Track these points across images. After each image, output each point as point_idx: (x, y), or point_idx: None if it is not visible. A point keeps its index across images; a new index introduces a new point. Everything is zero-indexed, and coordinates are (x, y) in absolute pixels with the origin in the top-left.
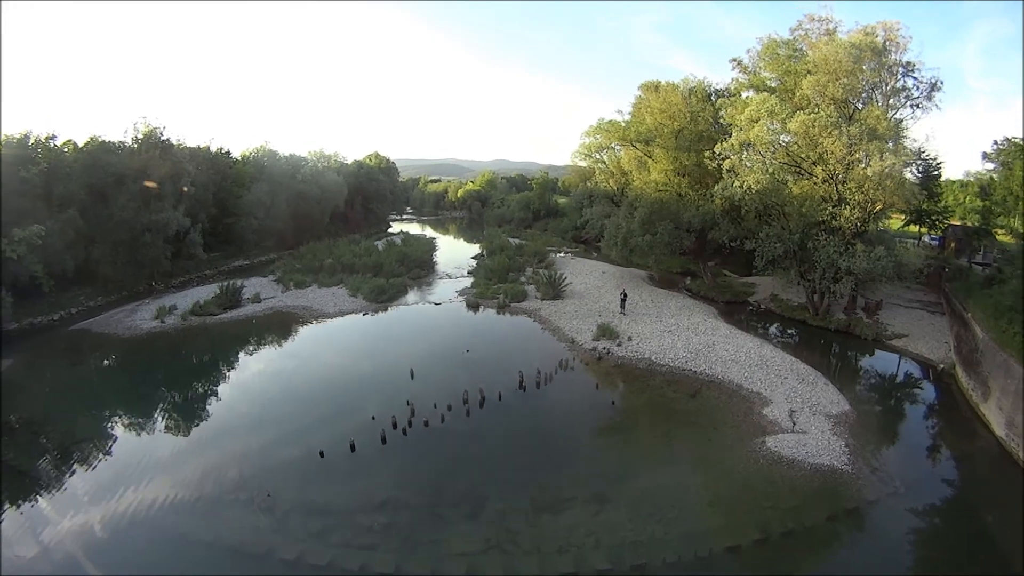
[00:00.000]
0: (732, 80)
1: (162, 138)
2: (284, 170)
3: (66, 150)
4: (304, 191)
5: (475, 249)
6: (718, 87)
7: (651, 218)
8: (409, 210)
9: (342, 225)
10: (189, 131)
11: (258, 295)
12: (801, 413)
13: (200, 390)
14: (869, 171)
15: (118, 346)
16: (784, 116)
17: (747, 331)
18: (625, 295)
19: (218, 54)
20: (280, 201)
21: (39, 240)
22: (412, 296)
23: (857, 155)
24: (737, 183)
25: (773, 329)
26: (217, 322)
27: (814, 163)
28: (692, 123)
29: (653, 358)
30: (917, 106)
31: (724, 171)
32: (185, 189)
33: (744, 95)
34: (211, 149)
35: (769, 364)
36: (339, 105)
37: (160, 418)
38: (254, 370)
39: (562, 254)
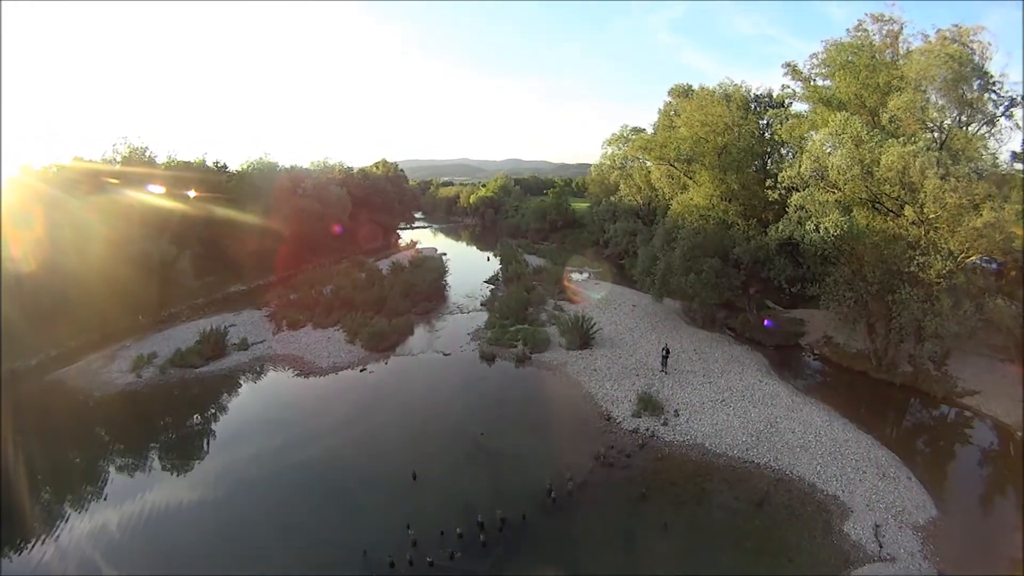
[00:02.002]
0: (782, 88)
1: (146, 157)
2: (284, 185)
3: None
4: (305, 207)
5: (488, 267)
6: (757, 92)
7: (694, 252)
8: (420, 215)
9: (347, 242)
10: (187, 144)
11: (245, 340)
12: (887, 527)
13: (149, 497)
14: (979, 222)
15: (87, 408)
16: (873, 144)
17: (808, 393)
18: (667, 351)
19: (223, 57)
20: (279, 219)
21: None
22: (418, 339)
23: (964, 200)
24: (810, 225)
25: (833, 383)
26: (196, 378)
27: (902, 202)
28: (738, 138)
29: (707, 444)
30: (991, 123)
31: (792, 207)
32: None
33: (796, 107)
34: (206, 163)
35: (843, 450)
36: (352, 108)
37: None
38: (222, 463)
39: (584, 275)
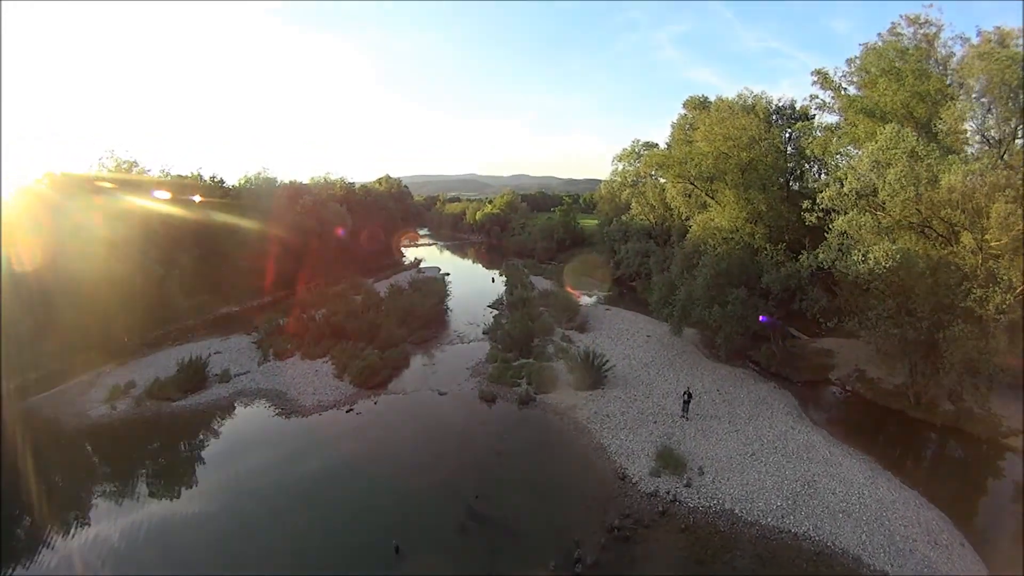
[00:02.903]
0: (811, 98)
1: (133, 172)
2: (281, 201)
3: None
4: (302, 225)
5: (493, 289)
6: (779, 103)
7: (718, 281)
8: (426, 231)
9: (348, 261)
10: (193, 153)
11: (227, 372)
12: None
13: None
14: None
15: (56, 441)
16: (932, 160)
17: (844, 440)
18: (690, 396)
19: (230, 65)
20: (275, 237)
21: None
22: (413, 373)
23: None
24: (857, 255)
25: (869, 425)
26: (171, 413)
27: (959, 227)
28: (765, 153)
29: (737, 510)
30: None
31: (835, 232)
32: None
33: (823, 119)
34: (203, 177)
35: (888, 513)
36: (357, 124)
37: None
38: (170, 525)
39: (592, 299)
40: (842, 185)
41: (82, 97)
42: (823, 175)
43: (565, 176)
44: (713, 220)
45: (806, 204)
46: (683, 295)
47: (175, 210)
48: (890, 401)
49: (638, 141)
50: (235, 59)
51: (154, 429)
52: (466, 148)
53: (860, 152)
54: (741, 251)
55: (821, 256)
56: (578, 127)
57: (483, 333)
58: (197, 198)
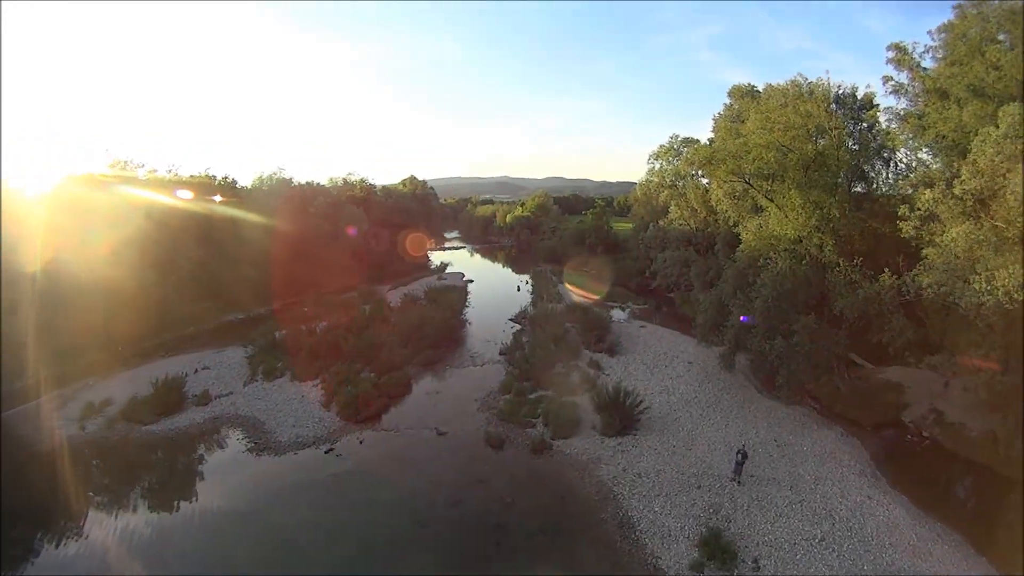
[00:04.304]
0: (883, 81)
1: (129, 170)
2: (294, 203)
3: None
4: (316, 227)
5: (518, 298)
6: (840, 91)
7: (780, 305)
8: (456, 234)
9: (363, 265)
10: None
11: (207, 393)
12: None
13: None
14: None
15: (17, 465)
16: None
17: (929, 511)
18: (744, 456)
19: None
20: (286, 240)
21: None
22: (412, 405)
23: None
24: (979, 282)
25: (956, 485)
26: (139, 439)
27: None
28: (836, 146)
29: None
30: None
31: (942, 249)
32: None
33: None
34: (215, 177)
35: None
36: (387, 125)
37: None
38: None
39: (625, 314)
40: (949, 186)
41: (78, 97)
42: (901, 173)
43: (599, 179)
44: (769, 226)
45: (902, 210)
46: (737, 321)
47: (179, 211)
48: (974, 452)
49: (676, 137)
50: (246, 60)
51: (112, 458)
52: (500, 151)
53: (975, 142)
54: (807, 267)
55: (925, 281)
56: (612, 129)
57: (500, 354)
58: (218, 198)
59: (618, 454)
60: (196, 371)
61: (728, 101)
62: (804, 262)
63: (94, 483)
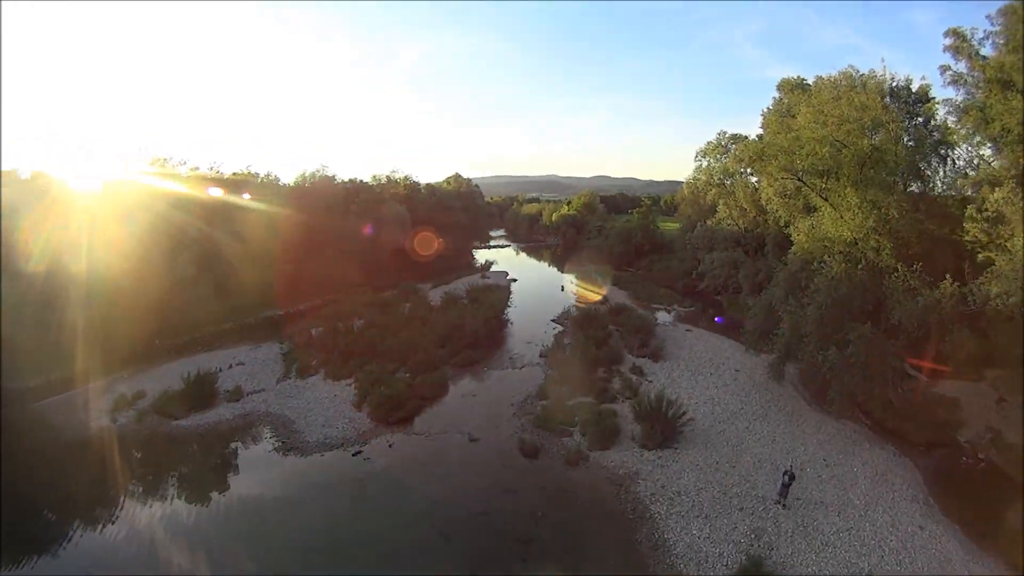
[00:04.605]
0: (941, 71)
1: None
2: (336, 200)
3: None
4: (355, 224)
5: (562, 299)
6: (894, 84)
7: (835, 312)
8: (501, 233)
9: (407, 264)
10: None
11: (239, 389)
12: None
13: None
14: None
15: (44, 454)
16: None
17: (983, 543)
18: (791, 477)
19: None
20: (327, 237)
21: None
22: (446, 408)
23: None
24: None
25: (1014, 518)
26: (166, 434)
27: None
28: (894, 140)
29: None
30: None
31: (1020, 257)
32: None
33: (956, 95)
34: (257, 175)
35: None
36: (435, 122)
37: None
38: None
39: (670, 316)
40: (1020, 184)
41: (79, 96)
42: (960, 171)
43: (646, 178)
44: (823, 227)
45: (969, 211)
46: (788, 328)
47: (219, 207)
48: None
49: (724, 133)
50: (248, 60)
51: (139, 451)
52: (547, 149)
53: None
54: (863, 272)
55: (991, 287)
56: (659, 128)
57: (540, 356)
58: (246, 195)
59: (657, 469)
60: (230, 367)
61: (777, 95)
62: (860, 266)
63: (117, 476)
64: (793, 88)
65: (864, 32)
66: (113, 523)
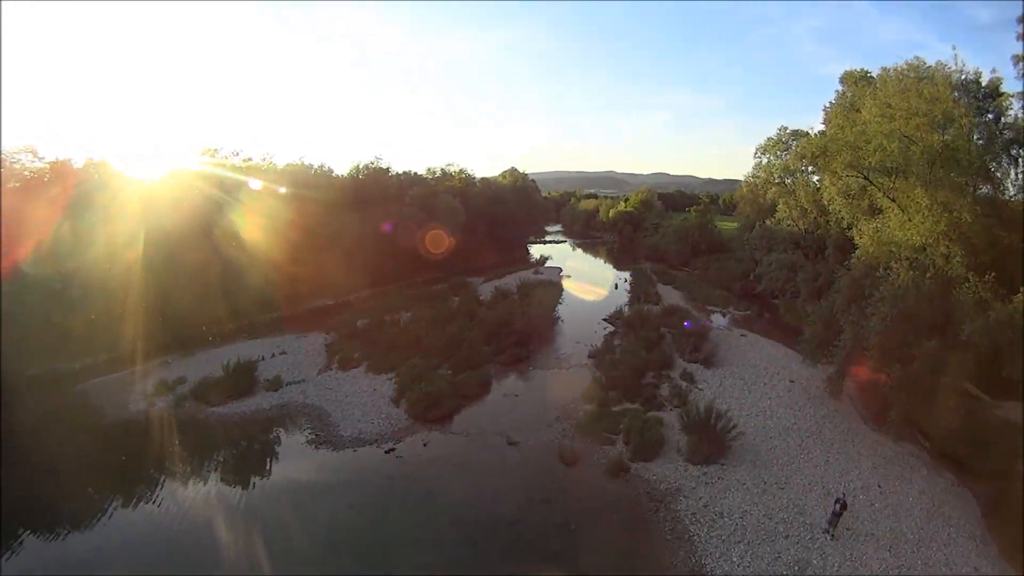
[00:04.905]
0: (1017, 62)
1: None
2: (390, 192)
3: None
4: (410, 217)
5: (614, 297)
6: (964, 78)
7: (900, 325)
8: (558, 228)
9: (459, 257)
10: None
11: (279, 379)
12: None
13: None
14: None
15: (83, 435)
16: None
17: None
18: (843, 506)
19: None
20: (374, 230)
21: (58, 284)
22: (487, 408)
23: None
24: None
25: None
26: (202, 421)
27: None
28: (966, 139)
29: None
30: None
31: None
32: None
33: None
34: (311, 166)
35: None
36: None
37: None
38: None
39: (725, 320)
40: None
41: (80, 94)
42: None
43: (705, 176)
44: (889, 230)
45: None
46: (849, 340)
47: (271, 197)
48: None
49: (785, 129)
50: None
51: (173, 436)
52: (605, 145)
53: None
54: (931, 281)
55: None
56: (717, 125)
57: (588, 357)
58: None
59: (701, 486)
60: (273, 355)
61: (840, 88)
62: (928, 275)
63: (146, 461)
64: (857, 81)
65: (925, 28)
66: (130, 506)
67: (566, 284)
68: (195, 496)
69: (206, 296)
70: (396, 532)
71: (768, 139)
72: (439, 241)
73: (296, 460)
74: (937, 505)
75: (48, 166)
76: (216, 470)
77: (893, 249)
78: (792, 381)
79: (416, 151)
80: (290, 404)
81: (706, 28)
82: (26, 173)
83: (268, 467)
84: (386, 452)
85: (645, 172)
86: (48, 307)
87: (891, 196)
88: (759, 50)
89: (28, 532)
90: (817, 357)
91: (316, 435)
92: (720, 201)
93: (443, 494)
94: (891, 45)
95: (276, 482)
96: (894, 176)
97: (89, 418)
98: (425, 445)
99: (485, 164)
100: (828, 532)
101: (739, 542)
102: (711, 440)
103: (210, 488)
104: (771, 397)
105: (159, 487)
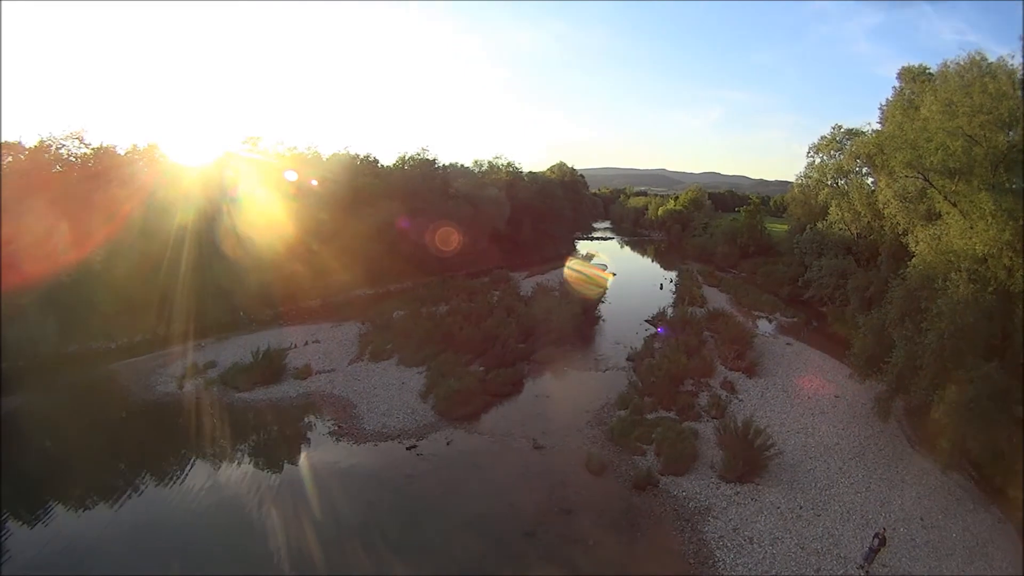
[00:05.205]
0: None
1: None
2: (434, 183)
3: None
4: (454, 209)
5: (659, 297)
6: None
7: (958, 344)
8: (607, 225)
9: (504, 251)
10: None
11: (308, 367)
12: None
13: None
14: None
15: (108, 415)
16: None
17: None
18: (882, 541)
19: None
20: (417, 221)
21: (97, 265)
22: (516, 408)
23: None
24: None
25: None
26: (227, 406)
27: None
28: None
29: None
30: None
31: None
32: None
33: None
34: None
35: None
36: (545, 110)
37: None
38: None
39: (771, 326)
40: None
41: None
42: None
43: (756, 177)
44: (948, 238)
45: None
46: (902, 357)
47: (316, 186)
48: None
49: (839, 127)
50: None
51: (194, 420)
52: (656, 143)
53: None
54: (992, 296)
55: None
56: (769, 124)
57: (627, 360)
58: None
59: (732, 506)
60: (306, 343)
61: (898, 84)
62: (989, 289)
63: (160, 443)
64: (916, 76)
65: (982, 29)
66: (131, 488)
67: (610, 282)
68: (196, 485)
69: (244, 283)
70: (406, 535)
71: (822, 138)
72: (482, 234)
73: (315, 452)
74: (981, 544)
75: (92, 152)
76: (228, 458)
77: (952, 259)
78: (837, 396)
79: (465, 145)
80: (316, 393)
81: (761, 25)
82: (73, 160)
83: (282, 458)
84: (407, 448)
85: (696, 171)
86: (90, 287)
87: (952, 200)
88: (814, 49)
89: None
90: (866, 373)
91: (339, 427)
92: (771, 203)
93: (459, 498)
94: (947, 45)
95: (288, 474)
96: (957, 178)
97: (115, 398)
98: (448, 444)
99: (534, 158)
100: (863, 568)
101: (768, 571)
102: (747, 457)
103: (216, 476)
104: (814, 413)
105: (161, 473)
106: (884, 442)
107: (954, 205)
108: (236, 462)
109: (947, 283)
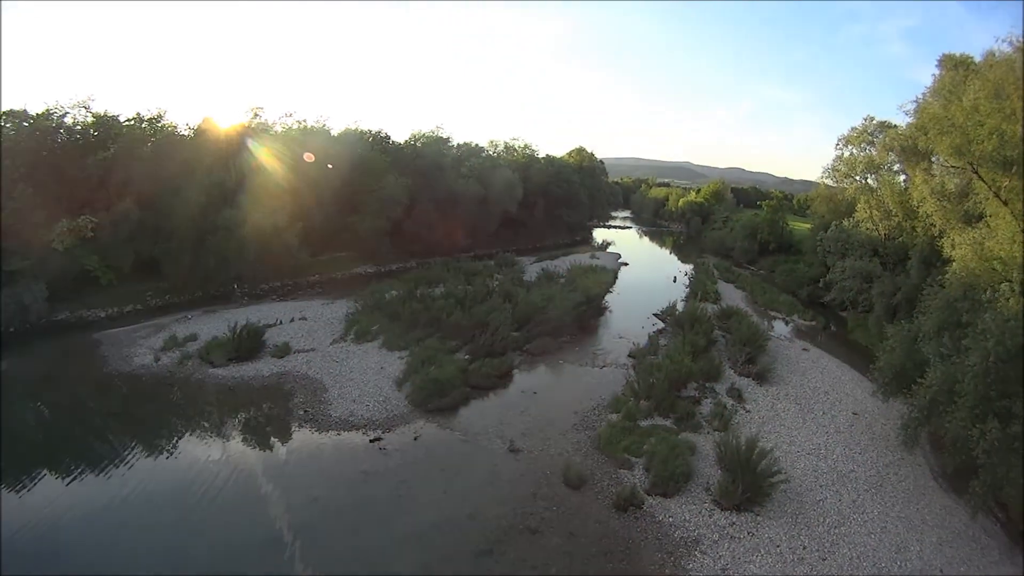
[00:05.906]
0: None
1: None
2: (443, 162)
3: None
4: (461, 189)
5: (671, 290)
6: None
7: (1003, 372)
8: (627, 214)
9: (515, 234)
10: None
11: (287, 346)
12: None
13: None
14: None
15: (79, 385)
16: None
17: None
18: None
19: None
20: (425, 199)
21: (90, 232)
22: (496, 404)
23: None
24: None
25: None
26: (198, 382)
27: None
28: None
29: None
30: None
31: None
32: None
33: None
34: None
35: None
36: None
37: None
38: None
39: (788, 329)
40: None
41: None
42: None
43: (781, 175)
44: (994, 242)
45: None
46: (936, 381)
47: (323, 159)
48: None
49: (871, 119)
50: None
51: (161, 394)
52: (681, 136)
53: None
54: None
55: None
56: (797, 122)
57: (628, 356)
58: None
59: (724, 540)
60: (292, 320)
61: (937, 72)
62: None
63: (117, 417)
64: (958, 64)
65: (1019, 32)
66: (60, 468)
67: (622, 272)
68: (131, 471)
69: (243, 255)
70: (344, 541)
71: (853, 129)
72: (493, 216)
73: (267, 438)
74: None
75: (95, 119)
76: (176, 442)
77: (997, 266)
78: (856, 414)
79: (491, 131)
80: (289, 374)
81: (794, 22)
82: (76, 128)
83: (236, 444)
84: (371, 441)
85: (721, 166)
86: (82, 254)
87: (1004, 198)
88: (847, 47)
89: None
90: (891, 391)
91: (304, 411)
92: (794, 201)
93: (414, 503)
94: (981, 50)
95: (237, 462)
96: (1012, 170)
97: (90, 368)
98: (416, 439)
99: (558, 144)
100: None
101: None
102: (748, 483)
103: (155, 462)
104: (828, 431)
105: (99, 455)
106: (905, 472)
107: (1005, 204)
108: (182, 447)
109: (997, 295)
